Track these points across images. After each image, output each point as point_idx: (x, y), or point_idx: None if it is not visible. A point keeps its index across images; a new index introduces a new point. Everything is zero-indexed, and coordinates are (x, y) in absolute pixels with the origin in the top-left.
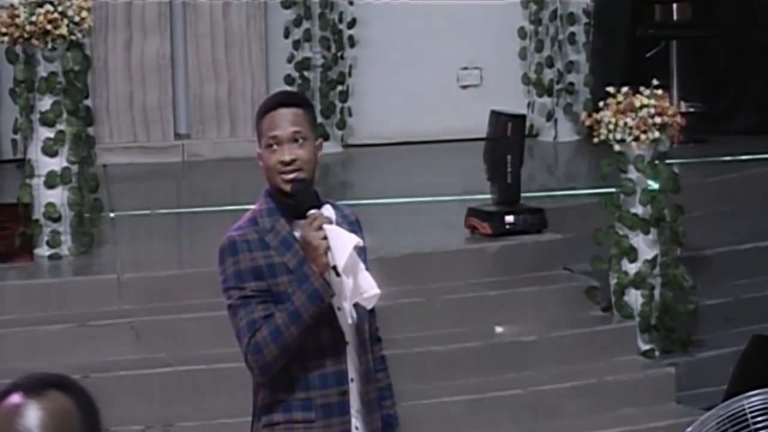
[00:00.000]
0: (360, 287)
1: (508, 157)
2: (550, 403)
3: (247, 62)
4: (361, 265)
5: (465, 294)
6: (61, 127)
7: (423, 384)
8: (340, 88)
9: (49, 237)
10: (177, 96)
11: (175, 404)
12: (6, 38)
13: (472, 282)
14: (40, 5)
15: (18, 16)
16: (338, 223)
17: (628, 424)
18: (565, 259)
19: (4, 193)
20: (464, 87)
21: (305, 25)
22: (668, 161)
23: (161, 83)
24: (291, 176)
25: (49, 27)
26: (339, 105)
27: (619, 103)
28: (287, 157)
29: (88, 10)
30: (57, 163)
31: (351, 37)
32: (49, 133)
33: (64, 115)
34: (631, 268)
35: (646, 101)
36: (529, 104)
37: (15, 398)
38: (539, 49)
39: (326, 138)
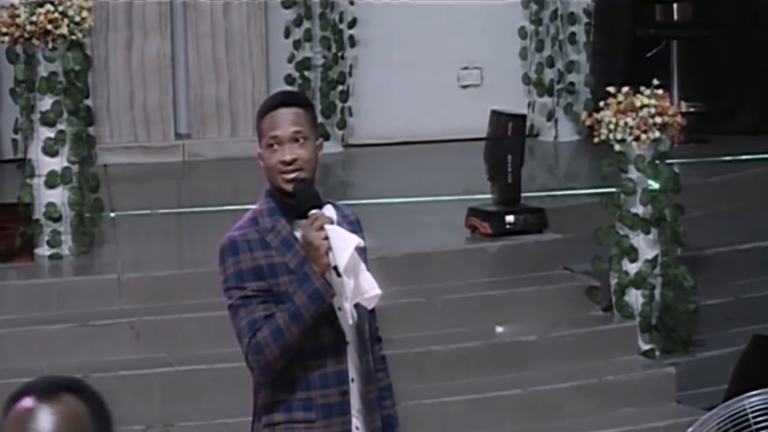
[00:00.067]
0: (361, 288)
1: (509, 156)
2: (550, 403)
3: (248, 62)
4: (362, 266)
5: (465, 294)
6: (61, 126)
7: (423, 384)
8: (340, 87)
9: (49, 237)
10: (177, 96)
11: (176, 404)
12: (6, 38)
13: (473, 282)
14: (41, 5)
15: (18, 15)
16: (339, 223)
17: (629, 424)
18: (565, 258)
19: (4, 193)
20: (465, 87)
21: (306, 24)
22: (669, 161)
23: (162, 83)
24: (292, 176)
25: (49, 27)
26: (339, 105)
27: (619, 102)
28: (288, 157)
29: (89, 9)
30: (57, 163)
31: (351, 37)
32: (49, 132)
33: (65, 115)
34: (632, 268)
35: (646, 101)
36: (529, 104)
37: (27, 402)
38: (540, 48)
39: (327, 138)
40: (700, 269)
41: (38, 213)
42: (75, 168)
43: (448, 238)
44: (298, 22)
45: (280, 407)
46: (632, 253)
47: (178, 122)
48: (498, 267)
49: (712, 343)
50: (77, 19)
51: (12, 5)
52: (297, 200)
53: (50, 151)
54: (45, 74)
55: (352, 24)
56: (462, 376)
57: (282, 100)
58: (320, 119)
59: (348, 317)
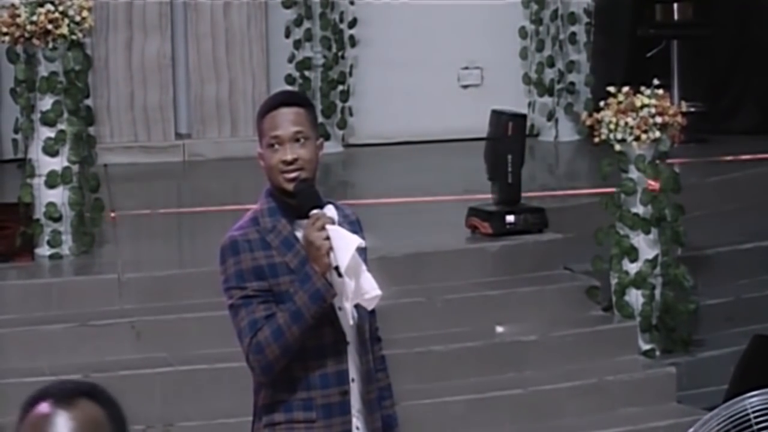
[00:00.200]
0: (362, 288)
1: (509, 156)
2: (550, 402)
3: (248, 62)
4: (363, 266)
5: (466, 294)
6: (61, 126)
7: (423, 384)
8: (340, 87)
9: (49, 237)
10: (178, 96)
11: (176, 404)
12: (7, 38)
13: (473, 282)
14: (41, 5)
15: (19, 15)
16: (339, 223)
17: (629, 423)
18: (565, 258)
19: (4, 193)
20: (465, 87)
21: (306, 24)
22: (669, 161)
23: (162, 83)
24: (293, 176)
25: (50, 27)
26: (340, 105)
27: (620, 102)
28: (289, 157)
29: (89, 9)
30: (58, 163)
31: (352, 37)
32: (49, 132)
33: (65, 115)
34: (632, 268)
35: (647, 101)
36: (529, 104)
37: (44, 407)
38: (540, 48)
39: (327, 138)
40: (700, 269)
41: (38, 213)
42: (75, 168)
43: (449, 238)
44: (298, 22)
45: (281, 407)
46: (632, 253)
47: (179, 122)
48: (498, 267)
49: (713, 343)
50: (77, 18)
51: (12, 5)
52: (298, 200)
53: (50, 150)
54: (45, 74)
55: (353, 24)
56: (462, 376)
57: (283, 100)
58: (320, 119)
59: (349, 317)
